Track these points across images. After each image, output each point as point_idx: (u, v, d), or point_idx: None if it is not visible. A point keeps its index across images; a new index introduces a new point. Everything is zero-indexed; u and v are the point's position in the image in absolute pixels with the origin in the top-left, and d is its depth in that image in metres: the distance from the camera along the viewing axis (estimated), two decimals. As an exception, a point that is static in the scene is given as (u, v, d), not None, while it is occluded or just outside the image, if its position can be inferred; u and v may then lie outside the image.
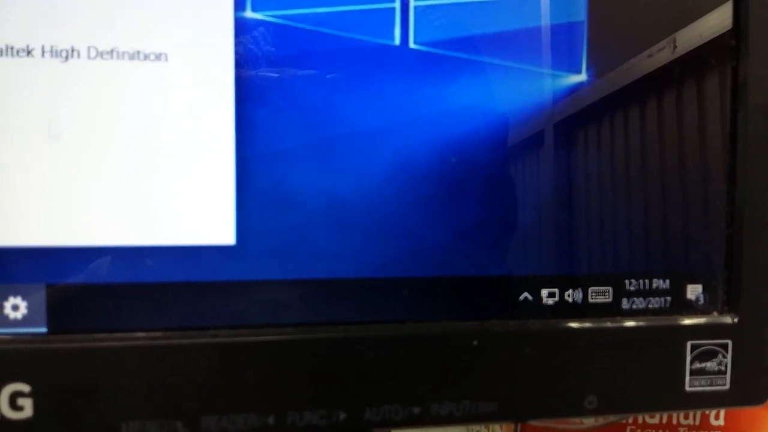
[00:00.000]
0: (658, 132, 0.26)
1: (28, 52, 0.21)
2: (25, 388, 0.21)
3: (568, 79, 0.25)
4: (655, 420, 0.35)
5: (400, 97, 0.24)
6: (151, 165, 0.22)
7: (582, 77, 0.25)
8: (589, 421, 0.34)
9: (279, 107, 0.23)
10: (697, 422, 0.35)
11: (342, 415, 0.23)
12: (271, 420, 0.23)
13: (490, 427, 0.40)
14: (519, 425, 0.34)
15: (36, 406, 0.21)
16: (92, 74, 0.22)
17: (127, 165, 0.22)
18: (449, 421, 0.24)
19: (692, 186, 0.26)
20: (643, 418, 0.34)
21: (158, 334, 0.22)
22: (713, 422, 0.35)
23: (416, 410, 0.24)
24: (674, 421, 0.35)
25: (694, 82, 0.26)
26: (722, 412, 0.35)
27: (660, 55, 0.25)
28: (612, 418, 0.34)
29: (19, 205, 0.21)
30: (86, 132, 0.22)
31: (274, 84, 0.23)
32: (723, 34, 0.26)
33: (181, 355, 0.22)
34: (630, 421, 0.34)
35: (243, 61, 0.23)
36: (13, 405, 0.21)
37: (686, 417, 0.35)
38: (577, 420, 0.34)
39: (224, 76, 0.22)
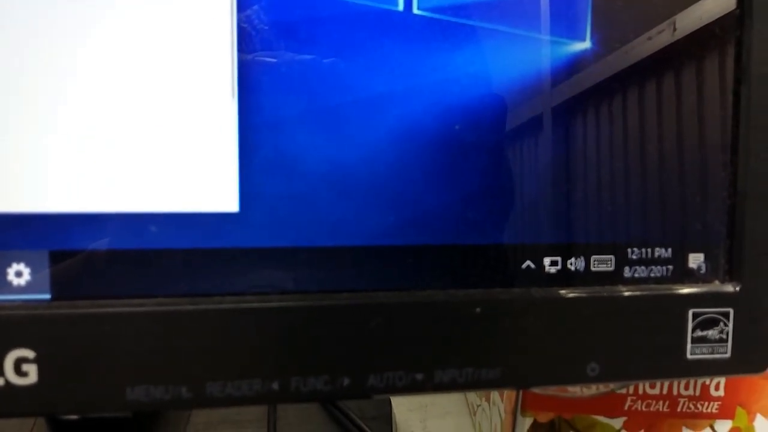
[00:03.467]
0: (663, 102, 0.26)
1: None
2: (30, 354, 0.21)
3: (572, 46, 0.25)
4: (656, 390, 0.35)
5: (404, 64, 0.23)
6: (154, 131, 0.22)
7: (586, 45, 0.25)
8: (590, 391, 0.34)
9: (282, 73, 0.23)
10: (697, 393, 0.35)
11: (346, 381, 0.23)
12: (275, 386, 0.23)
13: (490, 395, 0.40)
14: (520, 392, 0.35)
15: (40, 372, 0.21)
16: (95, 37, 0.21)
17: (129, 131, 0.22)
18: (452, 387, 0.24)
19: (695, 156, 0.26)
20: (644, 389, 0.35)
21: (163, 300, 0.22)
22: (713, 393, 0.35)
23: (419, 377, 0.24)
24: (674, 392, 0.35)
25: (697, 53, 0.26)
26: (722, 383, 0.35)
27: (666, 32, 0.25)
28: (612, 386, 0.34)
29: (21, 171, 0.21)
30: (88, 97, 0.22)
31: (277, 49, 0.23)
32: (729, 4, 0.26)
33: (186, 322, 0.22)
34: (630, 391, 0.35)
35: (245, 26, 0.22)
36: (18, 371, 0.21)
37: (686, 387, 0.35)
38: (577, 388, 0.34)
39: (226, 41, 0.22)
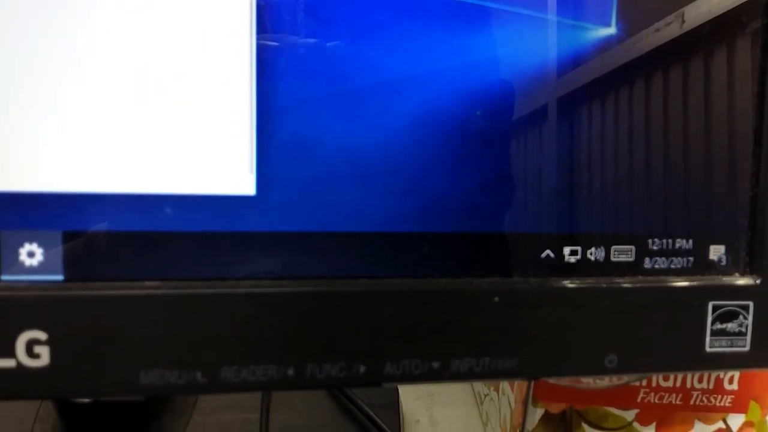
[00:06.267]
0: (687, 91, 0.25)
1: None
2: (42, 335, 0.21)
3: (597, 32, 0.24)
4: (669, 383, 0.34)
5: (426, 47, 0.23)
6: (171, 111, 0.22)
7: (611, 31, 0.24)
8: (603, 382, 0.34)
9: (301, 55, 0.22)
10: (711, 386, 0.35)
11: (362, 369, 0.23)
12: (290, 371, 0.22)
13: (500, 384, 0.40)
14: (532, 382, 0.34)
15: (53, 354, 0.21)
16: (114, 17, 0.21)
17: (146, 111, 0.21)
18: (469, 377, 0.24)
19: (718, 147, 0.25)
20: (657, 381, 0.34)
21: (178, 283, 0.22)
22: (727, 386, 0.35)
23: (436, 365, 0.23)
24: (688, 385, 0.34)
25: (722, 42, 0.25)
26: (736, 377, 0.35)
27: (676, 23, 0.25)
28: (626, 378, 0.34)
29: (36, 150, 0.21)
30: (105, 76, 0.21)
31: (296, 31, 0.22)
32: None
33: (202, 305, 0.22)
34: (644, 383, 0.34)
35: (264, 6, 0.22)
36: (30, 352, 0.21)
37: (700, 380, 0.34)
38: (590, 379, 0.34)
39: (245, 21, 0.22)
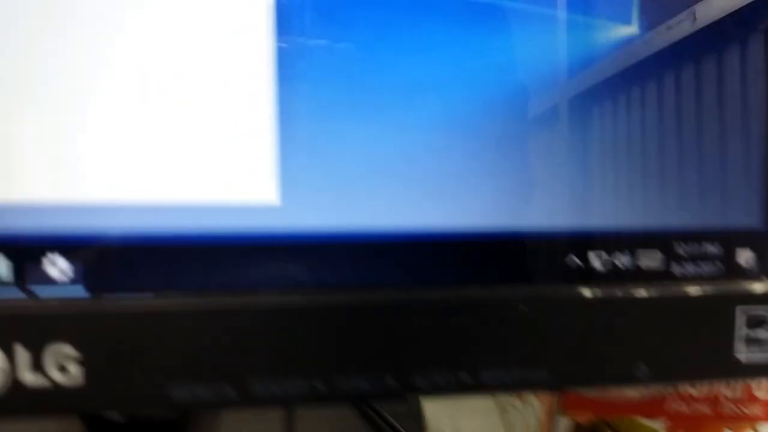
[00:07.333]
0: (714, 91, 0.25)
1: None
2: (71, 350, 0.21)
3: (618, 30, 0.24)
4: (698, 392, 0.34)
5: (448, 48, 0.23)
6: (193, 121, 0.21)
7: (633, 29, 0.24)
8: (631, 391, 0.34)
9: (322, 59, 0.22)
10: (741, 395, 0.34)
11: (390, 380, 0.23)
12: (318, 384, 0.22)
13: (524, 396, 0.40)
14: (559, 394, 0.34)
15: (82, 369, 0.21)
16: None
17: (168, 121, 0.21)
18: (499, 388, 0.23)
19: (746, 149, 0.25)
20: (686, 390, 0.34)
21: (207, 296, 0.22)
22: (757, 394, 0.34)
23: (465, 377, 0.23)
24: (717, 394, 0.34)
25: (737, 39, 0.25)
26: (766, 385, 0.34)
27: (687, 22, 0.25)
28: (655, 388, 0.33)
29: (59, 161, 0.21)
30: (128, 86, 0.21)
31: (317, 34, 0.22)
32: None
33: (230, 318, 0.22)
34: (673, 392, 0.34)
35: (284, 10, 0.22)
36: (59, 368, 0.21)
37: (730, 389, 0.34)
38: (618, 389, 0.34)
39: (265, 25, 0.22)
